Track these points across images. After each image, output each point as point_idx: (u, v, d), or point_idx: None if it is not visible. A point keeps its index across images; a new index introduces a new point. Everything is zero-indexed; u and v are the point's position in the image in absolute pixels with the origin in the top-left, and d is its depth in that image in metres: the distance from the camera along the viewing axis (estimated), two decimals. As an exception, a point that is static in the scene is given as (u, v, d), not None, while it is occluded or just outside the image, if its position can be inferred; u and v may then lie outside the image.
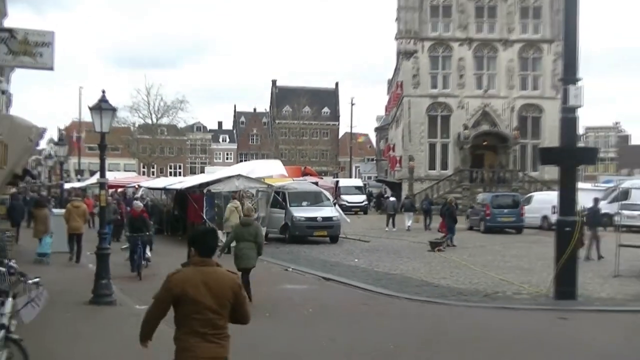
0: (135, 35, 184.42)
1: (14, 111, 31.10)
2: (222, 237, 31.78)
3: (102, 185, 19.64)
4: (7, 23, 22.80)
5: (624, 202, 39.10)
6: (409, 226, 44.95)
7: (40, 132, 15.32)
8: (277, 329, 15.22)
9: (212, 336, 6.57)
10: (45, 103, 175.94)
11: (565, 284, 18.34)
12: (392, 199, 53.90)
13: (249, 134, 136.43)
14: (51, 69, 15.91)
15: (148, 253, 23.80)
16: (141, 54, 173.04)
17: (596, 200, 30.15)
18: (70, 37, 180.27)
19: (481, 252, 30.98)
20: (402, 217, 46.62)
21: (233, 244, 17.73)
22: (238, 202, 31.66)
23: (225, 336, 6.75)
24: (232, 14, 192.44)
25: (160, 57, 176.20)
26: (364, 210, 67.09)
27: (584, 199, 32.08)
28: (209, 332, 6.55)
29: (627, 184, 49.78)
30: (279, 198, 35.50)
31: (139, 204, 26.12)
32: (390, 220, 46.00)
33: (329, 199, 38.15)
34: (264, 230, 33.66)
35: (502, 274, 23.22)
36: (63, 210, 27.93)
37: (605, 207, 37.55)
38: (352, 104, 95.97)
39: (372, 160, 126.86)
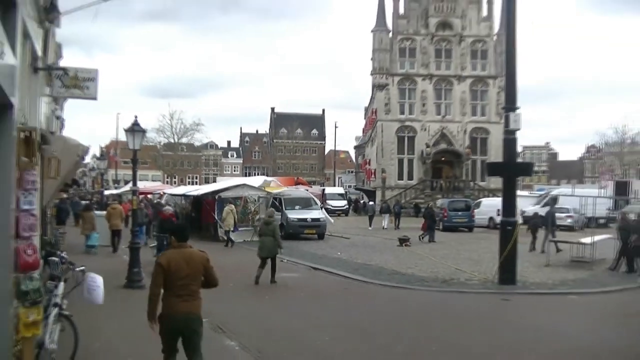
0: (165, 71, 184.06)
1: (65, 133, 31.11)
2: (222, 234, 32.06)
3: (134, 192, 19.76)
4: (62, 63, 22.88)
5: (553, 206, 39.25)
6: (384, 226, 45.25)
7: (86, 150, 15.39)
8: (275, 309, 15.33)
9: (188, 296, 7.83)
10: (90, 126, 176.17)
11: (507, 272, 18.51)
12: (371, 202, 54.12)
13: (252, 151, 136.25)
14: (95, 99, 15.98)
15: None
16: (169, 87, 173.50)
17: (554, 201, 29.99)
18: (113, 73, 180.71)
19: (440, 247, 31.06)
20: (379, 218, 46.92)
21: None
22: (233, 206, 31.97)
23: (197, 298, 7.99)
24: (240, 55, 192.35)
25: (183, 89, 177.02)
26: (345, 212, 67.07)
27: (522, 204, 32.24)
28: (185, 294, 7.81)
29: (555, 192, 50.06)
30: (276, 203, 35.48)
31: (169, 208, 24.64)
32: (372, 220, 46.60)
33: (317, 204, 38.13)
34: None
35: (457, 264, 23.32)
36: (104, 212, 28.47)
37: (538, 210, 37.70)
38: (336, 127, 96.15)
39: (352, 172, 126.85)
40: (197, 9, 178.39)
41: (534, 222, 28.67)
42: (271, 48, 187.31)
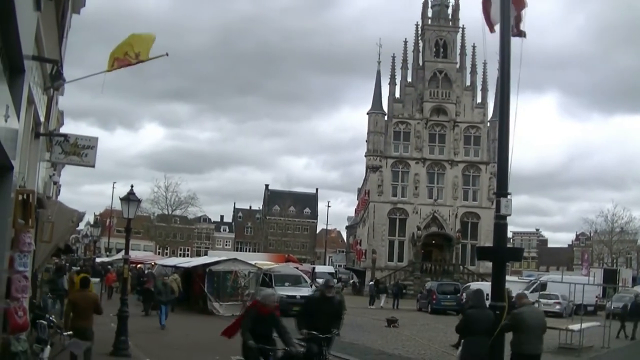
0: (175, 146, 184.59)
1: (61, 198, 31.33)
2: (211, 307, 31.87)
3: (125, 260, 19.69)
4: (76, 131, 23.21)
5: (542, 292, 39.15)
6: (382, 305, 46.05)
7: (81, 216, 15.44)
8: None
9: (85, 317, 12.82)
10: (92, 193, 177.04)
11: (495, 356, 18.29)
12: (371, 283, 54.23)
13: (244, 227, 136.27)
14: (93, 166, 16.06)
15: None
16: (177, 161, 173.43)
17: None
18: (125, 145, 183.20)
19: (427, 329, 30.83)
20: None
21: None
22: (177, 275, 32.80)
23: (91, 319, 13.09)
24: (249, 134, 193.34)
25: (191, 164, 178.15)
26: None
27: (511, 289, 32.00)
28: (84, 316, 12.77)
29: (544, 278, 49.97)
30: (266, 279, 35.38)
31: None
32: (372, 300, 47.28)
33: (306, 281, 38.02)
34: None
35: (444, 348, 23.14)
36: (96, 279, 28.25)
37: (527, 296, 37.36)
38: (329, 207, 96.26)
39: (343, 251, 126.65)
40: (216, 89, 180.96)
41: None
42: (279, 129, 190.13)
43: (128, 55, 12.67)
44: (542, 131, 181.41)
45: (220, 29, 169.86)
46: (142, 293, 32.76)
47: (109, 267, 38.30)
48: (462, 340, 11.54)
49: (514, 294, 13.99)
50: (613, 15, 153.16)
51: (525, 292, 12.57)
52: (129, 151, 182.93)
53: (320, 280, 59.36)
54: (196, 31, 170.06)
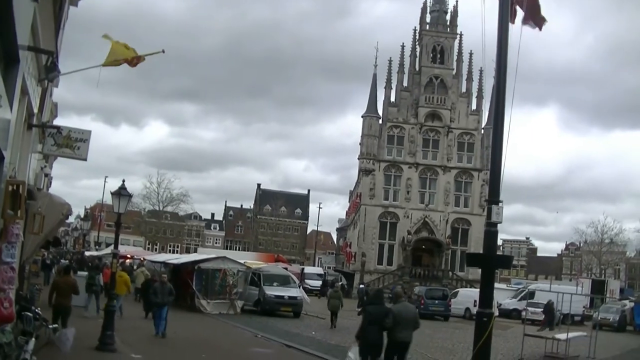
0: (178, 145, 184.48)
1: (57, 191, 31.16)
2: (199, 304, 31.80)
3: (114, 255, 19.60)
4: (59, 121, 23.08)
5: (530, 300, 39.18)
6: None
7: (70, 209, 15.36)
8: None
9: (65, 296, 17.03)
10: (83, 187, 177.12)
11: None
12: (362, 286, 54.08)
13: (235, 225, 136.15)
14: (85, 159, 16.02)
15: None
16: (179, 159, 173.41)
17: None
18: (126, 141, 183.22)
19: (414, 334, 30.75)
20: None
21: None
22: (144, 268, 35.29)
23: (69, 297, 17.26)
24: (254, 136, 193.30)
25: (191, 163, 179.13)
26: (323, 293, 66.54)
27: (499, 296, 32.11)
28: (64, 296, 16.99)
29: (533, 286, 50.06)
30: (255, 278, 35.33)
31: None
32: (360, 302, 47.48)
33: (295, 282, 37.95)
34: (241, 303, 33.82)
35: (430, 353, 23.12)
36: (84, 273, 27.83)
37: (514, 303, 37.40)
38: (320, 208, 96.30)
39: (332, 253, 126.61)
40: (225, 91, 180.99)
41: None
42: (283, 132, 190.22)
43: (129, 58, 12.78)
44: (541, 143, 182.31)
45: (234, 33, 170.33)
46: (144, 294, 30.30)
47: (106, 262, 37.76)
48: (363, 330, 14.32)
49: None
50: (622, 35, 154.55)
51: (399, 288, 16.77)
52: (131, 147, 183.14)
53: (308, 281, 59.28)
54: (210, 33, 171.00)
